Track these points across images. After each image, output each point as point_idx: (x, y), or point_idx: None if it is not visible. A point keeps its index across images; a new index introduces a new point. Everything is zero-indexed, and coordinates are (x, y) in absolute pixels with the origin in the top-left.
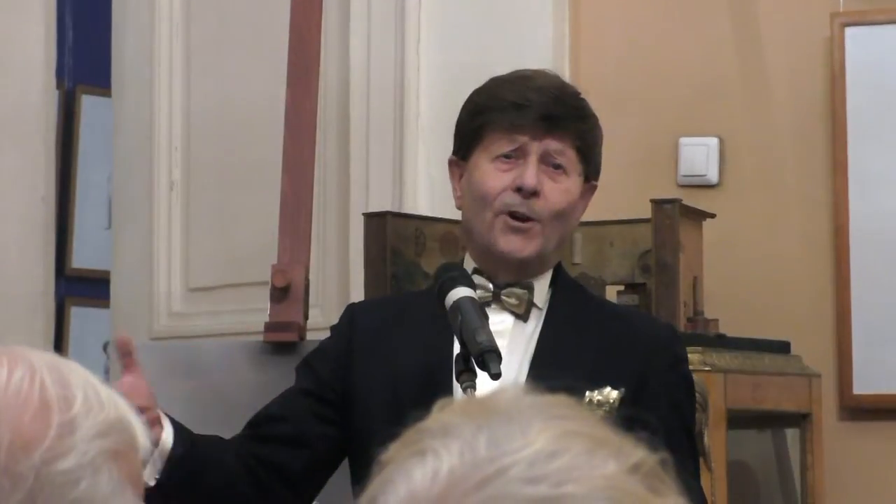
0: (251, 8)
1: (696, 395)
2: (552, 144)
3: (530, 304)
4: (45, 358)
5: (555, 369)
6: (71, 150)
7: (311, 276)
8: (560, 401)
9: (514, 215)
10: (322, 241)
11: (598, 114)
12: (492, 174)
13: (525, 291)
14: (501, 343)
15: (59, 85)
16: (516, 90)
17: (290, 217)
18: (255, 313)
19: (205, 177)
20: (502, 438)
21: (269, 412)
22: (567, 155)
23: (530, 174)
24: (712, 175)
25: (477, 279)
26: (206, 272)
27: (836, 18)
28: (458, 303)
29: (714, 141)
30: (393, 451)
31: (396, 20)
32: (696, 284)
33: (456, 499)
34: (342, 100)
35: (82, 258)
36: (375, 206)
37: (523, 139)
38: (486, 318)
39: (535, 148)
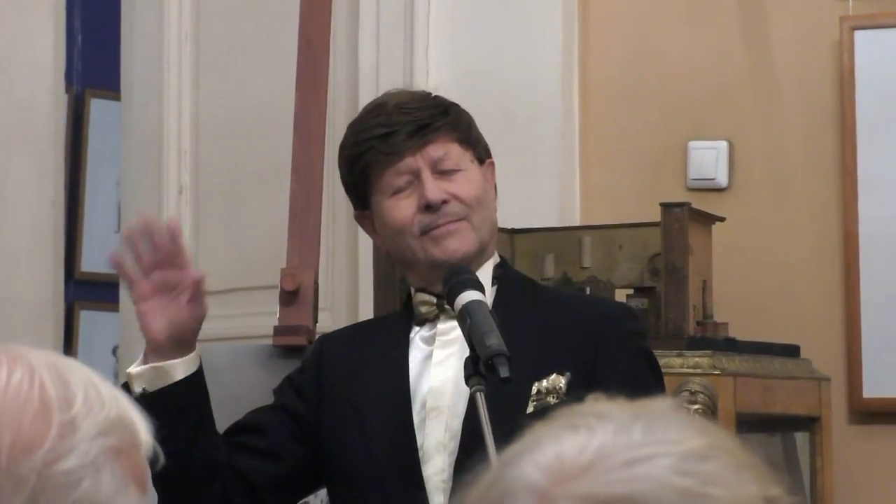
0: (260, 11)
1: (706, 397)
2: (434, 151)
3: None
4: (45, 357)
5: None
6: (80, 154)
7: (321, 280)
8: (711, 423)
9: (435, 229)
10: (331, 245)
11: (607, 118)
12: (396, 207)
13: None
14: (453, 350)
15: (69, 88)
16: (377, 122)
17: (299, 220)
18: (264, 317)
19: (214, 180)
20: (659, 430)
21: (247, 422)
22: (452, 153)
23: (430, 189)
24: (721, 179)
25: (420, 297)
26: (215, 276)
27: (845, 22)
28: (467, 307)
29: (723, 144)
30: (538, 428)
31: (406, 23)
32: (705, 288)
33: (602, 472)
34: (351, 103)
35: (91, 262)
36: None
37: (406, 162)
38: (496, 321)
39: (422, 163)
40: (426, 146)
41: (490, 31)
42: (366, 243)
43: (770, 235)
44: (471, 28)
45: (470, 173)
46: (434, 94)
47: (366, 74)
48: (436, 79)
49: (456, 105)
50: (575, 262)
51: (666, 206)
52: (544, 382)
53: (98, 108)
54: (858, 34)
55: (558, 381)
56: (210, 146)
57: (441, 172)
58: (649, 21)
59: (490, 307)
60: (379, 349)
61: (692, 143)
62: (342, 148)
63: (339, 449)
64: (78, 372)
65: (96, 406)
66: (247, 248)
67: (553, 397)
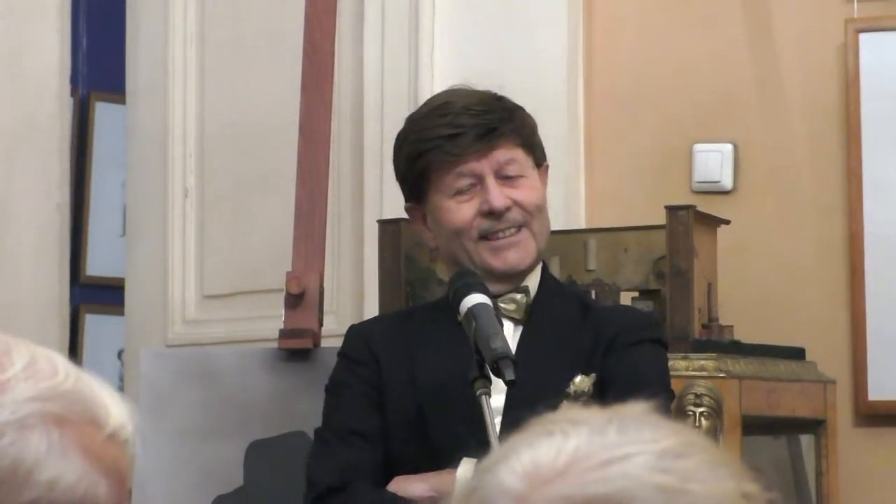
0: (265, 15)
1: (712, 400)
2: (500, 156)
3: (528, 307)
4: (1, 337)
5: (533, 369)
6: (85, 157)
7: (326, 283)
8: (683, 426)
9: (495, 236)
10: (336, 248)
11: (612, 120)
12: (456, 209)
13: (522, 296)
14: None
15: (74, 92)
16: (444, 121)
17: (304, 224)
18: (269, 320)
19: (219, 184)
20: (632, 431)
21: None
22: (517, 159)
23: (495, 196)
24: (726, 181)
25: None
26: (220, 279)
27: (850, 24)
28: (473, 309)
29: (728, 147)
30: (514, 436)
31: (410, 27)
32: (710, 291)
33: (579, 473)
34: (356, 107)
35: (97, 265)
36: (390, 213)
37: (471, 165)
38: (501, 324)
39: (487, 167)
40: (492, 151)
41: (495, 35)
42: (371, 246)
43: (775, 238)
44: (475, 31)
45: (532, 180)
46: (499, 94)
47: (370, 78)
48: (440, 82)
49: (521, 108)
50: (580, 265)
51: (671, 209)
52: (572, 387)
53: (103, 112)
54: (863, 37)
55: (585, 382)
56: (215, 149)
57: (504, 178)
58: (654, 24)
59: (527, 304)
60: (440, 337)
61: (697, 146)
62: (403, 142)
63: (393, 436)
64: (27, 348)
65: (42, 376)
66: (252, 251)
67: (583, 400)
